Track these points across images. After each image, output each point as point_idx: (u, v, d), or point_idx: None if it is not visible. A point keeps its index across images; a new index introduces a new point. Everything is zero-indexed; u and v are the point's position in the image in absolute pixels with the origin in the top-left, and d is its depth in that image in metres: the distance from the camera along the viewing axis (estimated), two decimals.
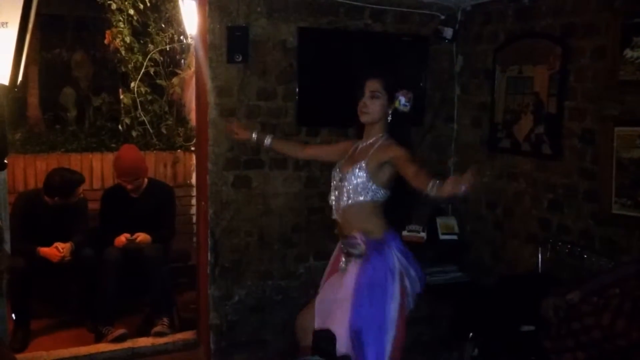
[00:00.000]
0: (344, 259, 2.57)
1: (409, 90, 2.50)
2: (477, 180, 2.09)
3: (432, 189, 2.12)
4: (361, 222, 2.47)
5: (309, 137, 3.42)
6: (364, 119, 2.52)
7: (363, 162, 2.45)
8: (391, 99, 2.48)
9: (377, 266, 2.42)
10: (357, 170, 2.45)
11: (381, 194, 2.46)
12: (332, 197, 2.57)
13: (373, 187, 2.43)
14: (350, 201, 2.46)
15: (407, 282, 2.48)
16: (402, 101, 2.46)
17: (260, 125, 3.30)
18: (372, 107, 2.48)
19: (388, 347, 2.41)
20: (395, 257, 2.45)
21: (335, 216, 2.57)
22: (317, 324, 2.51)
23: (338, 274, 2.58)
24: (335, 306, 2.47)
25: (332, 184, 2.60)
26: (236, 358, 3.39)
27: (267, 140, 2.81)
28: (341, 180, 2.51)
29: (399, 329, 2.45)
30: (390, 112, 2.49)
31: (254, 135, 2.83)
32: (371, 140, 2.52)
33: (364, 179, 2.43)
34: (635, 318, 2.17)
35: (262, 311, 3.44)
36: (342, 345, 2.34)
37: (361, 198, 2.44)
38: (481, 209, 3.65)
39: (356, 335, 2.38)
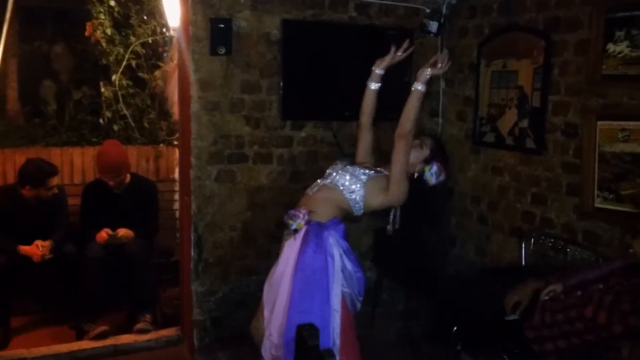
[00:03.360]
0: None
1: (445, 174, 2.54)
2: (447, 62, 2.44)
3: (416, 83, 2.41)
4: (320, 206, 2.47)
5: (293, 131, 3.41)
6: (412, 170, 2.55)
7: (372, 172, 2.49)
8: (428, 161, 2.52)
9: (316, 249, 2.41)
10: (362, 172, 2.47)
11: (357, 209, 2.47)
12: (322, 179, 2.57)
13: (360, 202, 2.45)
14: (335, 185, 2.47)
15: (346, 274, 2.47)
16: (432, 168, 2.51)
17: (245, 119, 3.27)
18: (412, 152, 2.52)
19: (335, 337, 2.39)
20: (336, 243, 2.44)
21: (309, 190, 2.56)
22: (266, 317, 2.49)
23: (275, 265, 2.55)
24: (277, 296, 2.45)
25: (333, 166, 2.60)
26: (220, 354, 3.37)
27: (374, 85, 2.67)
28: (345, 167, 2.53)
29: (344, 320, 2.43)
30: (417, 171, 2.53)
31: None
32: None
33: (363, 179, 2.45)
34: (616, 312, 2.21)
35: (246, 307, 3.40)
36: (285, 332, 2.33)
37: (342, 188, 2.45)
38: (466, 203, 3.67)
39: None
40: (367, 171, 2.50)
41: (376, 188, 2.47)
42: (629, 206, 2.65)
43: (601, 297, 2.28)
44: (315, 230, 2.44)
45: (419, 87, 2.42)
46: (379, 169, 2.59)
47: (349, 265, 2.47)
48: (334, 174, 2.52)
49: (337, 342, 2.39)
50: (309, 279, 2.39)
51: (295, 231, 2.44)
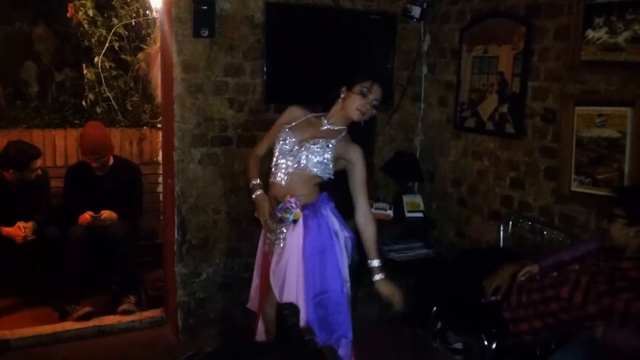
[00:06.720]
0: (270, 235, 2.54)
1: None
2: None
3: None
4: (301, 189, 2.46)
5: (277, 114, 3.38)
6: (356, 117, 2.47)
7: (334, 140, 2.45)
8: None
9: (320, 230, 2.43)
10: (325, 146, 2.43)
11: (330, 174, 2.47)
12: (282, 161, 2.49)
13: (329, 168, 2.44)
14: (304, 169, 2.44)
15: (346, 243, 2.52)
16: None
17: (228, 102, 3.28)
18: (369, 113, 2.47)
19: (349, 308, 2.47)
20: (333, 216, 2.48)
21: (278, 179, 2.49)
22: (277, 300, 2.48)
23: (278, 253, 2.49)
24: (285, 283, 2.43)
25: (280, 147, 2.52)
26: (204, 335, 3.40)
27: (258, 192, 2.59)
28: (299, 145, 2.46)
29: None
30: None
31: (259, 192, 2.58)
32: (335, 128, 2.51)
33: (328, 157, 2.43)
34: (592, 292, 2.26)
35: (230, 289, 3.45)
36: (306, 315, 2.35)
37: (315, 170, 2.43)
38: (446, 187, 3.72)
39: (320, 304, 2.40)
40: (330, 142, 2.44)
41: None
42: (604, 190, 2.70)
43: (577, 278, 2.33)
44: (312, 212, 2.45)
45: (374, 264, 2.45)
46: (331, 127, 2.53)
47: (346, 233, 2.52)
48: (300, 157, 2.44)
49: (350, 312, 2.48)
50: (319, 262, 2.41)
51: (295, 222, 2.41)
